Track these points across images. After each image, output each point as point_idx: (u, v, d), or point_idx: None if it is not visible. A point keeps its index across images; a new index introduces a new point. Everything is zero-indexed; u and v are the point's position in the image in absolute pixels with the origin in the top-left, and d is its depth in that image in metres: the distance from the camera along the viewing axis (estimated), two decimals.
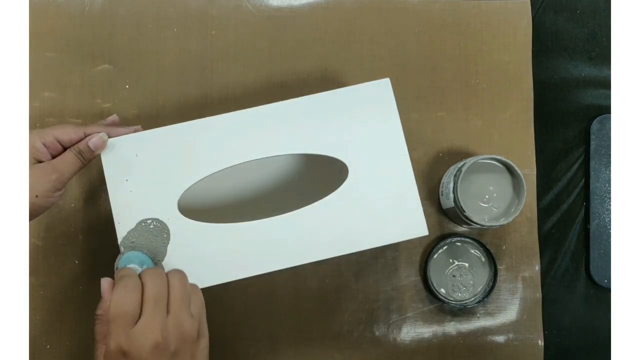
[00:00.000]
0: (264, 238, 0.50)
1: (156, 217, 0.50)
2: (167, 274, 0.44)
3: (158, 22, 0.63)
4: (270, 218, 0.51)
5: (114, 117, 0.55)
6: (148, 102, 0.62)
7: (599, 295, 0.63)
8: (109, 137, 0.51)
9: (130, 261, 0.48)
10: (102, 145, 0.50)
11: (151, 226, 0.50)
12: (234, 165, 0.51)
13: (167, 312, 0.42)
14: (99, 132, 0.50)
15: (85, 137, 0.50)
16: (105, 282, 0.44)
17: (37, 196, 0.48)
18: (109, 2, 0.63)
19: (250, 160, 0.51)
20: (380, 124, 0.52)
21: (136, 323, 0.41)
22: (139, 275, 0.44)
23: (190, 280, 0.46)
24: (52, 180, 0.48)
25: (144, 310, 0.41)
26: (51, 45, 0.62)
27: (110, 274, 0.59)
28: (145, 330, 0.41)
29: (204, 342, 0.44)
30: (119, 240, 0.50)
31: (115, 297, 0.41)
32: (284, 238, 0.50)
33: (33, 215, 0.49)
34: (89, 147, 0.50)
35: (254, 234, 0.50)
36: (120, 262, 0.48)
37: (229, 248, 0.50)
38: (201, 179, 0.51)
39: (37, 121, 0.61)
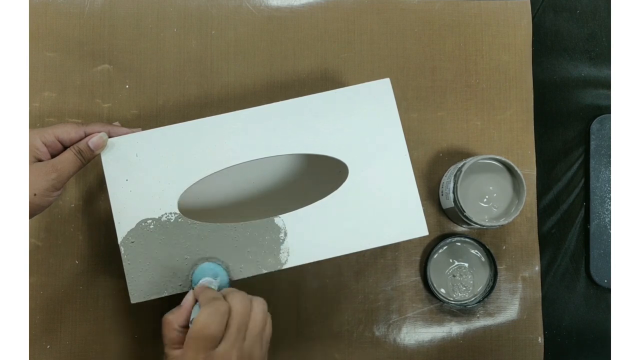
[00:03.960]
0: None
1: (156, 217, 0.50)
2: (250, 300, 0.44)
3: (158, 22, 0.63)
4: (270, 218, 0.51)
5: (117, 125, 0.54)
6: (148, 102, 0.62)
7: (599, 295, 0.63)
8: (110, 136, 0.51)
9: (204, 273, 0.49)
10: (102, 145, 0.50)
11: (151, 226, 0.50)
12: (234, 165, 0.51)
13: (243, 338, 0.43)
14: (100, 132, 0.50)
15: (86, 136, 0.50)
16: (190, 296, 0.45)
17: (35, 195, 0.48)
18: (109, 2, 0.63)
19: (250, 160, 0.51)
20: (380, 124, 0.52)
21: (217, 346, 0.41)
22: (224, 296, 0.44)
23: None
24: (51, 179, 0.48)
25: (227, 335, 0.42)
26: (51, 45, 0.62)
27: (110, 273, 0.60)
28: (224, 356, 0.41)
29: None
30: (119, 240, 0.50)
31: (205, 317, 0.41)
32: None
33: (31, 214, 0.49)
34: (88, 146, 0.50)
35: None
36: (196, 274, 0.49)
37: None
38: (201, 179, 0.51)
39: (37, 121, 0.61)
